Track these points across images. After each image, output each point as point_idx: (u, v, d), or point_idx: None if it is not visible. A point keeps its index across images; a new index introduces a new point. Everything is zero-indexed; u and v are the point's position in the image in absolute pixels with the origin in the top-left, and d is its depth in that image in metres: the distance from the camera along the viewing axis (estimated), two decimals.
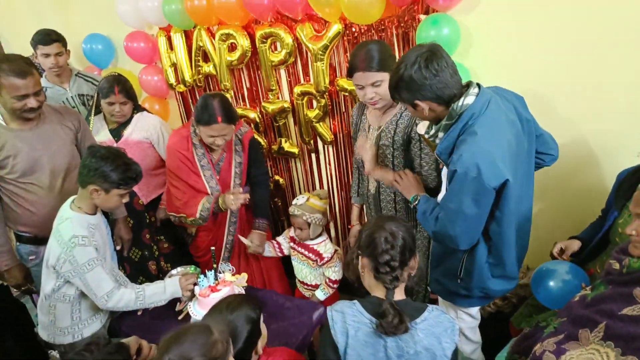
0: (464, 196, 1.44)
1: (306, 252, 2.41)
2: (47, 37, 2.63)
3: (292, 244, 2.47)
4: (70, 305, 1.87)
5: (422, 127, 1.61)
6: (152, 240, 2.73)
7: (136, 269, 2.73)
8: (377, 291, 1.34)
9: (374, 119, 2.00)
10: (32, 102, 1.92)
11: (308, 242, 2.39)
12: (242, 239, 2.38)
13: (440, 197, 1.63)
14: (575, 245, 1.78)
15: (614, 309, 1.17)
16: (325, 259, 2.35)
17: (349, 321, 1.29)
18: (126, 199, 1.88)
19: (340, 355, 1.29)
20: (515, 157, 1.49)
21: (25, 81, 1.86)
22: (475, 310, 1.83)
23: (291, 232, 2.45)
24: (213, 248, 2.10)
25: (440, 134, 1.51)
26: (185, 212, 2.29)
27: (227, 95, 2.83)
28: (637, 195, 1.18)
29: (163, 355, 1.11)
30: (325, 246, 2.38)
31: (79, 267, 1.74)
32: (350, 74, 1.84)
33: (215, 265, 2.03)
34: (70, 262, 1.74)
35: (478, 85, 1.50)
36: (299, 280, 2.54)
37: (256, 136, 2.75)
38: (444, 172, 1.59)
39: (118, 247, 2.44)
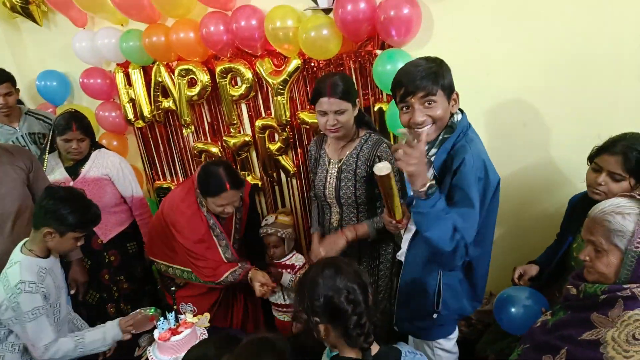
0: (474, 196, 1.41)
1: (282, 270, 2.41)
2: None
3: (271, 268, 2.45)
4: (20, 355, 1.75)
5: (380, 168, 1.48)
6: (111, 281, 2.61)
7: (93, 314, 2.59)
8: (350, 352, 1.25)
9: (333, 153, 2.01)
10: None
11: (281, 260, 2.41)
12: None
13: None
14: (534, 270, 1.82)
15: (573, 334, 1.19)
16: (298, 267, 2.39)
17: None
18: (81, 242, 1.79)
19: None
20: None
21: None
22: (451, 344, 1.78)
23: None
24: (173, 288, 2.02)
25: (433, 151, 1.49)
26: (211, 279, 2.18)
27: (188, 130, 2.81)
28: (587, 222, 1.22)
29: None
30: (296, 258, 2.44)
31: (22, 315, 1.64)
32: (314, 100, 1.86)
33: (175, 307, 1.95)
34: (13, 309, 1.64)
35: None
36: (273, 306, 2.49)
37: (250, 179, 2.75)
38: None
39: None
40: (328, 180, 1.99)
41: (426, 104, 1.42)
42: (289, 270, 2.40)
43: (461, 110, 1.54)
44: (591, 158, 1.62)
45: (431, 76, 1.40)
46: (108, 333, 1.83)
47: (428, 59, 1.46)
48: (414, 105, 1.42)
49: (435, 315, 1.63)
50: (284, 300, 2.45)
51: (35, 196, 2.14)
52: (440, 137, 1.48)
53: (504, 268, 1.94)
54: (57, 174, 2.43)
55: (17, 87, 2.66)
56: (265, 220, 2.40)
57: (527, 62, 1.98)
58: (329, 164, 2.01)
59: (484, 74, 2.04)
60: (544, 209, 2.14)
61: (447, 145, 1.47)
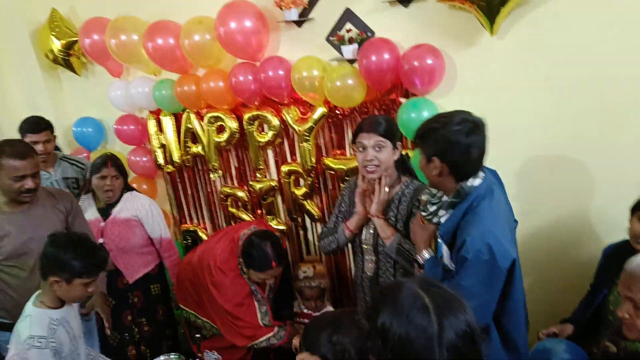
0: (476, 281, 1.37)
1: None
2: (37, 126, 2.64)
3: (299, 319, 2.41)
4: None
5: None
6: (133, 322, 2.62)
7: (113, 356, 2.58)
8: None
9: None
10: (29, 183, 1.93)
11: (310, 312, 2.36)
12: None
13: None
14: (569, 329, 1.75)
15: None
16: None
17: None
18: (92, 288, 1.73)
19: None
20: (512, 237, 1.49)
21: (24, 162, 1.90)
22: None
23: (296, 307, 2.40)
24: (198, 335, 2.02)
25: (442, 212, 1.48)
26: (247, 341, 2.17)
27: (216, 175, 2.87)
28: (625, 277, 1.18)
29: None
30: (327, 310, 2.38)
31: None
32: (354, 138, 1.85)
33: (200, 354, 1.94)
34: None
35: (483, 169, 1.50)
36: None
37: (244, 216, 2.76)
38: (445, 252, 1.54)
39: (83, 312, 2.16)
40: (366, 231, 1.93)
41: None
42: None
43: (483, 170, 1.49)
44: (636, 208, 1.58)
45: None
46: None
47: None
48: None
49: None
50: None
51: None
52: (448, 200, 1.47)
53: (534, 321, 1.87)
54: (89, 213, 2.50)
55: (54, 133, 2.80)
56: (304, 272, 2.35)
57: (554, 110, 1.98)
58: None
59: (508, 121, 2.04)
60: (575, 259, 2.08)
61: (458, 212, 1.44)
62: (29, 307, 1.70)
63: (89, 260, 1.66)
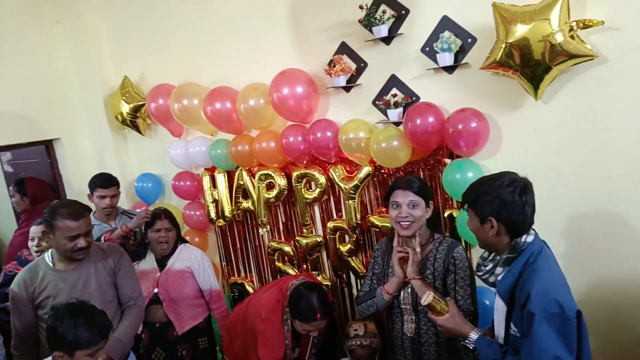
0: (554, 341, 1.34)
1: None
2: (107, 182, 2.90)
3: None
4: None
5: (426, 298, 1.60)
6: None
7: None
8: None
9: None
10: (81, 242, 2.00)
11: None
12: None
13: (499, 334, 1.55)
14: None
15: None
16: None
17: None
18: (102, 357, 1.65)
19: None
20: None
21: (78, 223, 1.99)
22: None
23: None
24: None
25: (499, 270, 1.49)
26: None
27: (264, 230, 2.97)
28: None
29: None
30: None
31: None
32: (388, 195, 1.91)
33: None
34: None
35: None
36: None
37: (290, 270, 2.81)
38: (499, 312, 1.53)
39: None
40: (405, 289, 1.93)
41: None
42: None
43: (535, 233, 1.51)
44: None
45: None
46: None
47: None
48: None
49: None
50: None
51: (120, 295, 2.22)
52: (504, 256, 1.47)
53: None
54: (148, 263, 2.64)
55: (119, 189, 3.03)
56: (355, 330, 2.32)
57: (605, 172, 1.97)
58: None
59: (555, 183, 2.04)
60: (633, 328, 1.97)
61: (515, 269, 1.44)
62: None
63: (89, 330, 1.58)
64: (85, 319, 1.60)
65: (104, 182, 2.88)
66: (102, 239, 2.66)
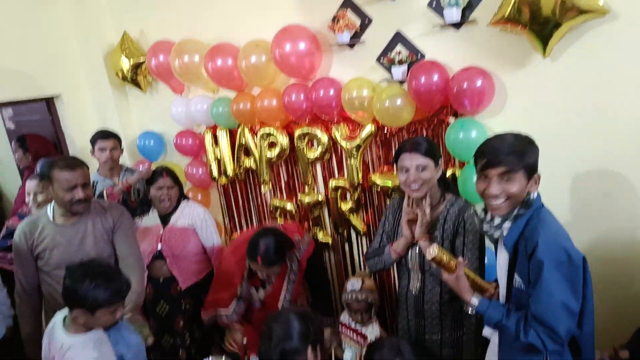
0: (562, 288, 1.37)
1: (354, 336, 2.39)
2: (105, 133, 2.95)
3: (342, 329, 2.45)
4: None
5: (432, 250, 1.59)
6: (185, 327, 2.76)
7: (166, 359, 2.73)
8: None
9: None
10: (79, 194, 2.00)
11: (358, 326, 2.38)
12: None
13: (501, 291, 1.60)
14: (625, 355, 1.70)
15: None
16: (369, 341, 2.31)
17: None
18: (120, 313, 1.72)
19: None
20: None
21: (75, 173, 1.99)
22: None
23: (342, 317, 2.45)
24: (245, 341, 2.11)
25: (507, 224, 1.49)
26: (219, 302, 2.37)
27: (266, 188, 3.00)
28: None
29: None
30: (372, 328, 2.35)
31: None
32: (396, 158, 1.88)
33: (246, 357, 2.03)
34: None
35: None
36: None
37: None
38: (502, 265, 1.57)
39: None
40: (413, 248, 1.94)
41: (504, 179, 1.43)
42: (358, 338, 2.38)
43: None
44: None
45: (516, 154, 1.41)
46: None
47: (517, 136, 1.47)
48: (492, 177, 1.44)
49: None
50: None
51: (117, 252, 2.21)
52: (515, 212, 1.47)
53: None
54: (151, 219, 2.69)
55: (121, 146, 3.04)
56: (352, 284, 2.35)
57: (609, 131, 1.95)
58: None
59: (560, 144, 2.03)
60: (630, 285, 2.02)
61: (520, 223, 1.46)
62: (65, 338, 1.68)
63: (109, 290, 1.63)
64: (104, 279, 1.64)
65: (103, 133, 2.94)
66: (104, 192, 2.69)
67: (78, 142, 3.50)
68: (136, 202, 2.85)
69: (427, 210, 1.84)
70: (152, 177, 2.65)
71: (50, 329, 1.76)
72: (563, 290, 1.38)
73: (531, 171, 1.44)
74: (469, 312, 1.58)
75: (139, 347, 1.87)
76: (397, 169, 1.89)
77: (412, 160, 1.81)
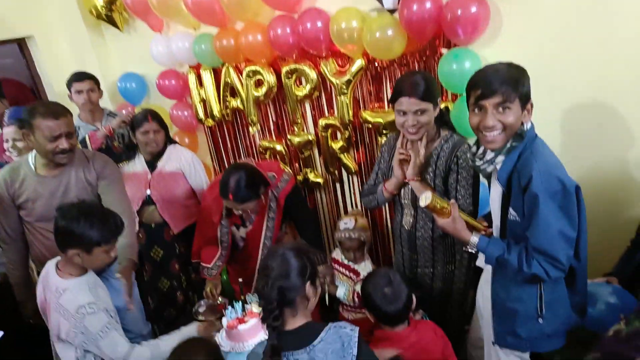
0: (557, 217, 1.37)
1: (347, 272, 2.43)
2: (80, 75, 2.82)
3: (335, 265, 2.49)
4: None
5: (425, 198, 1.55)
6: (180, 270, 2.78)
7: (164, 301, 2.78)
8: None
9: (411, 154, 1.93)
10: (64, 144, 1.92)
11: (350, 263, 2.41)
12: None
13: (494, 225, 1.60)
14: (615, 282, 1.74)
15: None
16: (361, 277, 2.37)
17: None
18: (114, 253, 1.72)
19: None
20: None
21: (58, 122, 1.88)
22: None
23: (335, 254, 2.48)
24: (241, 280, 2.13)
25: (500, 158, 1.47)
26: (202, 256, 2.40)
27: (254, 129, 2.92)
28: None
29: None
30: (365, 265, 2.39)
31: (93, 336, 1.65)
32: (393, 99, 1.80)
33: (242, 297, 2.06)
34: (83, 333, 1.64)
35: None
36: (341, 305, 2.54)
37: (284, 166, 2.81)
38: (495, 200, 1.56)
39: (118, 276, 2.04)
40: (406, 186, 1.93)
41: (500, 110, 1.38)
42: (351, 274, 2.42)
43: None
44: None
45: (511, 82, 1.36)
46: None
47: (510, 65, 1.41)
48: (487, 108, 1.39)
49: (540, 321, 1.55)
50: (353, 302, 2.47)
51: (102, 203, 2.12)
52: (509, 145, 1.44)
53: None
54: (138, 165, 2.63)
55: (100, 88, 2.92)
56: (345, 223, 2.37)
57: (603, 60, 1.88)
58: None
59: (555, 73, 1.97)
60: (619, 214, 2.03)
61: (514, 155, 1.43)
62: (59, 281, 1.68)
63: (105, 228, 1.64)
64: (99, 218, 1.64)
65: (78, 75, 2.82)
66: (87, 138, 2.61)
67: (56, 87, 3.36)
68: (120, 147, 2.77)
69: (422, 152, 1.80)
70: (136, 122, 2.56)
71: (44, 275, 1.75)
72: (559, 219, 1.37)
73: (525, 100, 1.40)
74: (470, 251, 1.57)
75: (134, 296, 1.88)
76: (393, 109, 1.82)
77: (411, 105, 1.74)
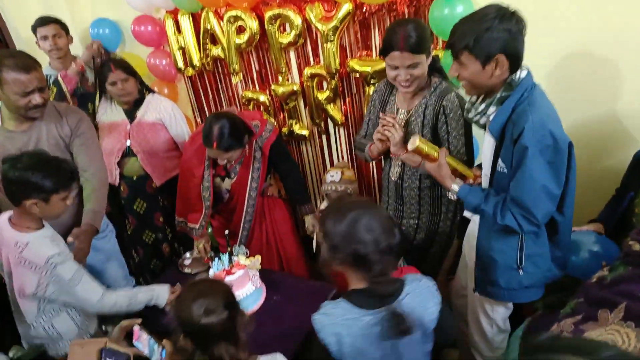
0: (543, 171, 1.37)
1: None
2: (44, 19, 2.65)
3: None
4: (65, 313, 1.76)
5: (412, 142, 1.57)
6: (165, 223, 2.75)
7: (150, 252, 2.76)
8: (360, 284, 1.26)
9: (402, 102, 1.91)
10: (36, 99, 1.83)
11: None
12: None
13: (483, 177, 1.59)
14: (600, 229, 1.77)
15: (634, 289, 1.17)
16: None
17: (338, 321, 1.22)
18: (70, 201, 1.68)
19: (335, 358, 1.23)
20: None
21: (29, 76, 1.78)
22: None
23: (322, 206, 2.47)
24: (227, 232, 2.11)
25: (491, 109, 1.46)
26: (188, 217, 2.37)
27: (237, 79, 2.81)
28: None
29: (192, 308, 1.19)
30: None
31: (67, 284, 1.64)
32: (384, 53, 1.74)
33: (229, 249, 2.04)
34: (56, 282, 1.62)
35: None
36: None
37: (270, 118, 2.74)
38: (487, 150, 1.54)
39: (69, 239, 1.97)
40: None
41: (457, 63, 1.44)
42: None
43: (528, 69, 1.45)
44: None
45: (461, 37, 1.40)
46: (157, 298, 1.84)
47: (480, 17, 1.38)
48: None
49: (521, 272, 1.58)
50: None
51: (76, 164, 2.01)
52: (498, 95, 1.42)
53: None
54: (115, 115, 2.53)
55: (69, 34, 2.75)
56: (331, 176, 2.36)
57: (596, 7, 1.83)
58: (396, 113, 1.92)
59: (546, 21, 1.90)
60: (606, 164, 2.04)
61: (508, 105, 1.41)
62: (19, 236, 1.62)
63: (60, 174, 1.62)
64: (52, 165, 1.61)
65: (42, 20, 2.66)
66: (59, 78, 2.50)
67: (23, 33, 3.15)
68: (93, 86, 2.65)
69: (400, 133, 1.80)
70: (101, 75, 2.44)
71: None
72: (545, 174, 1.37)
73: (486, 57, 1.37)
74: (450, 198, 1.59)
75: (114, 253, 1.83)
76: (384, 61, 1.77)
77: (404, 60, 1.69)
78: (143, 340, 1.46)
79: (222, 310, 1.23)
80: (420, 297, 1.26)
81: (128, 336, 1.53)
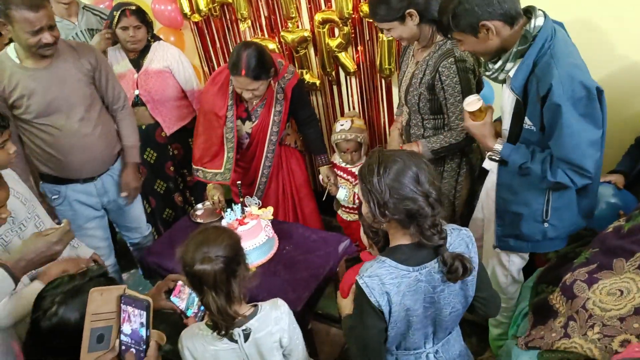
0: (582, 124, 1.31)
1: (345, 175, 2.45)
2: None
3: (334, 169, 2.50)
4: None
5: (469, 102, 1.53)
6: (176, 172, 2.76)
7: (162, 202, 2.79)
8: (406, 239, 1.21)
9: (416, 52, 1.89)
10: (47, 37, 1.83)
11: (348, 166, 2.40)
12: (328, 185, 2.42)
13: (503, 135, 1.55)
14: (621, 179, 1.74)
15: None
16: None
17: (386, 281, 1.16)
18: (10, 148, 1.57)
19: (386, 319, 1.19)
20: None
21: (38, 14, 1.78)
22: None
23: (334, 158, 2.46)
24: (239, 182, 2.11)
25: (509, 65, 1.40)
26: (208, 164, 2.33)
27: (245, 25, 2.72)
28: None
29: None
30: None
31: None
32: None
33: (241, 199, 2.05)
34: None
35: (535, 8, 1.39)
36: (341, 207, 2.58)
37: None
38: (507, 105, 1.49)
39: (123, 195, 2.29)
40: (404, 78, 1.93)
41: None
42: (349, 177, 2.42)
43: (544, 14, 1.36)
44: None
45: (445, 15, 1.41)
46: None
47: None
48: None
49: (546, 225, 1.56)
50: (354, 203, 2.50)
51: (105, 98, 2.15)
52: (514, 50, 1.36)
53: None
54: (121, 65, 2.49)
55: None
56: (341, 125, 2.34)
57: None
58: (411, 61, 1.93)
59: None
60: (623, 112, 1.98)
61: (528, 60, 1.34)
62: None
63: None
64: None
65: None
66: None
67: None
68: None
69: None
70: (113, 17, 2.36)
71: None
72: (584, 126, 1.32)
73: (471, 28, 1.36)
74: (491, 159, 1.56)
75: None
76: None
77: (380, 25, 1.76)
78: (183, 295, 1.48)
79: (219, 261, 1.22)
80: (461, 246, 1.22)
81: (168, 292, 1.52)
